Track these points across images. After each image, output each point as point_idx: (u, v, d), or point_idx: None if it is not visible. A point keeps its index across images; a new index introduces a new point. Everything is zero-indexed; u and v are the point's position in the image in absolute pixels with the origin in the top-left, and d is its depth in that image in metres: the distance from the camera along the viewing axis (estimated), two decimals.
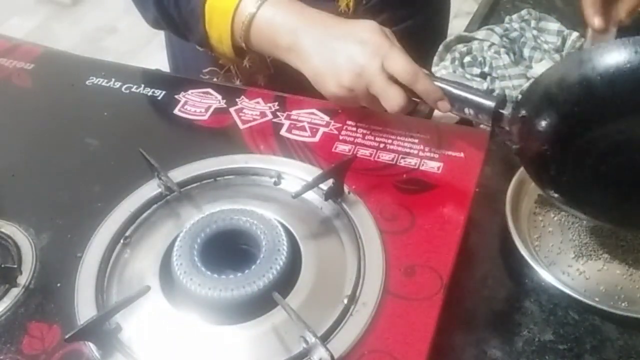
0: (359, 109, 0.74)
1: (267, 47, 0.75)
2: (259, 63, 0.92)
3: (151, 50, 2.33)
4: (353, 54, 0.68)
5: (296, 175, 0.68)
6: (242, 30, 0.74)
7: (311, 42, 0.70)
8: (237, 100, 0.78)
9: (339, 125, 0.73)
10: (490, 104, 0.66)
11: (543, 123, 0.60)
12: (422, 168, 0.68)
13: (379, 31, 0.69)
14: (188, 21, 0.79)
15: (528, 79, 0.88)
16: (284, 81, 0.91)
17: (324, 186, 0.65)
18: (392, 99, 0.66)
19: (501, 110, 0.65)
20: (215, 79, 0.97)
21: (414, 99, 0.68)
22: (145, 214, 0.66)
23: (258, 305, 0.57)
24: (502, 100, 0.66)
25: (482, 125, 0.71)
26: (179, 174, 0.68)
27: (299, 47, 0.71)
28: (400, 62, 0.66)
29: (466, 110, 0.67)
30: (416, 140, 0.71)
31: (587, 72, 0.59)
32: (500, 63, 0.89)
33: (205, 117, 0.76)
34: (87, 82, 0.82)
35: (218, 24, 0.75)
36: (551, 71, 0.62)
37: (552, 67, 0.63)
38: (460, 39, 0.93)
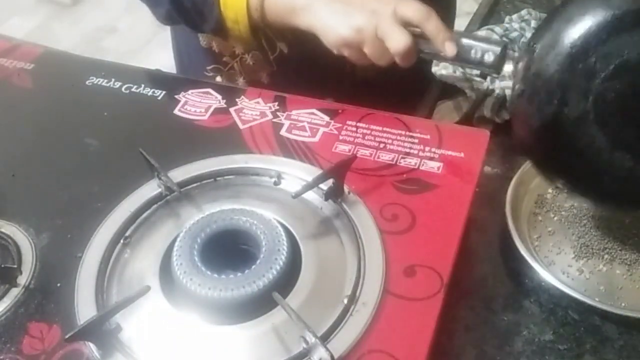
0: (359, 109, 0.74)
1: (282, 15, 0.76)
2: (262, 61, 0.92)
3: (151, 50, 2.33)
4: (367, 2, 0.71)
5: (296, 175, 0.68)
6: (258, 3, 0.76)
7: None
8: (237, 100, 0.78)
9: (339, 125, 0.73)
10: (496, 47, 0.68)
11: (559, 38, 0.59)
12: (422, 168, 0.68)
13: None
14: (202, 9, 0.80)
15: None
16: (286, 79, 0.91)
17: (324, 186, 0.65)
18: (398, 38, 0.69)
19: (508, 49, 0.68)
20: (218, 77, 0.97)
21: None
22: (145, 214, 0.66)
23: (258, 305, 0.57)
24: (507, 44, 0.70)
25: (484, 72, 0.74)
26: (179, 174, 0.68)
27: (315, 3, 0.74)
28: (413, 5, 0.69)
29: (472, 52, 0.69)
30: (416, 140, 0.71)
31: None
32: None
33: (205, 117, 0.76)
34: (87, 82, 0.82)
35: (233, 4, 0.77)
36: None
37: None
38: None
